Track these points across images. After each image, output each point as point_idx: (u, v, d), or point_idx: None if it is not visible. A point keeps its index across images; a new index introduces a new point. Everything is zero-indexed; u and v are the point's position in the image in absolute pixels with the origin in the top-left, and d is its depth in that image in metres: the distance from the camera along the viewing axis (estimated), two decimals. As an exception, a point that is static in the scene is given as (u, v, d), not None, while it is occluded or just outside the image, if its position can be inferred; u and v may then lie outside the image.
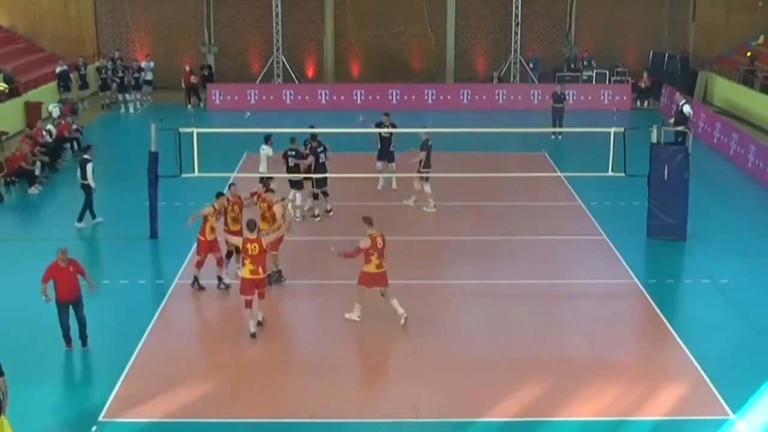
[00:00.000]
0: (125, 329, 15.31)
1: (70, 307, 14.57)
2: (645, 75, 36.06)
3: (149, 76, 36.65)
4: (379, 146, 22.92)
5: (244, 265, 14.97)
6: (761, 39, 37.21)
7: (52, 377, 13.86)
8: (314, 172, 20.79)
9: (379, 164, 22.96)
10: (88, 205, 20.51)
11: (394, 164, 22.93)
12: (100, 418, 12.46)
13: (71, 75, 34.72)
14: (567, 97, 30.30)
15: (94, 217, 20.72)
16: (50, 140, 26.11)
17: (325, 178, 20.93)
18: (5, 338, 14.88)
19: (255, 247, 14.68)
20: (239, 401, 12.96)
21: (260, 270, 14.75)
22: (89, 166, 20.36)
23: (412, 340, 14.90)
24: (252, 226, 15.03)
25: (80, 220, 20.48)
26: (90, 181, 20.32)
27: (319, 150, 20.96)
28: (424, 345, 14.78)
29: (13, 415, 11.36)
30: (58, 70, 34.64)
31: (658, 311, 16.11)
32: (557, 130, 29.10)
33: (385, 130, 22.47)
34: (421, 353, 14.47)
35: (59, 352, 14.53)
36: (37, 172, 24.09)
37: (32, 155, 24.38)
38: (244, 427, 12.40)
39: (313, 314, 16.31)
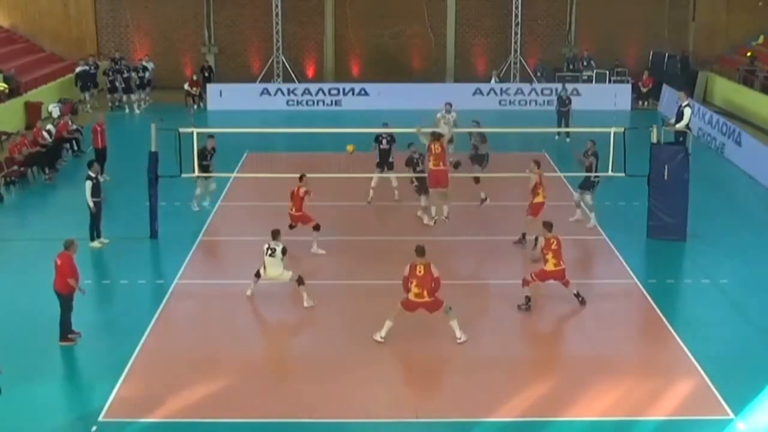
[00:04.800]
0: (125, 329, 15.31)
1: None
2: (645, 76, 36.06)
3: (149, 76, 36.63)
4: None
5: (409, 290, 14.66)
6: (761, 39, 37.21)
7: (52, 377, 13.85)
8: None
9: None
10: (90, 224, 19.32)
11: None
12: (100, 418, 12.46)
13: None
14: (571, 101, 29.93)
15: (93, 238, 19.27)
16: (50, 140, 26.13)
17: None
18: (5, 338, 14.90)
19: (422, 269, 14.49)
20: (239, 401, 12.96)
21: (425, 293, 14.48)
22: (87, 184, 19.08)
23: (412, 341, 14.89)
24: (420, 251, 14.72)
25: (92, 239, 19.35)
26: (88, 199, 19.03)
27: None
28: (424, 345, 14.77)
29: (13, 415, 11.41)
30: (78, 70, 34.79)
31: (658, 311, 16.12)
32: (562, 130, 28.98)
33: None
34: (422, 353, 14.47)
35: (59, 352, 14.54)
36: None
37: (29, 148, 24.56)
38: (244, 427, 12.39)
39: (312, 314, 16.30)
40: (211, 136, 21.67)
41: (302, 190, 18.89)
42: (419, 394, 13.17)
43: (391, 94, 34.75)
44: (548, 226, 16.47)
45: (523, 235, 19.15)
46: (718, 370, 13.73)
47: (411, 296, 14.54)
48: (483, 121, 23.71)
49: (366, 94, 35.40)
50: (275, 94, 35.87)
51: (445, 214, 19.42)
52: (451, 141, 23.40)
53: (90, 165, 19.74)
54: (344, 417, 12.67)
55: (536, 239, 18.17)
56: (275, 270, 16.31)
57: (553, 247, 16.06)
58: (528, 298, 16.15)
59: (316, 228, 18.84)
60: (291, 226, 18.89)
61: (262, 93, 35.72)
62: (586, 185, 20.95)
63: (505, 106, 35.42)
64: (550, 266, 16.11)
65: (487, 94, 35.72)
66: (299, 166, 21.70)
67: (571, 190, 23.01)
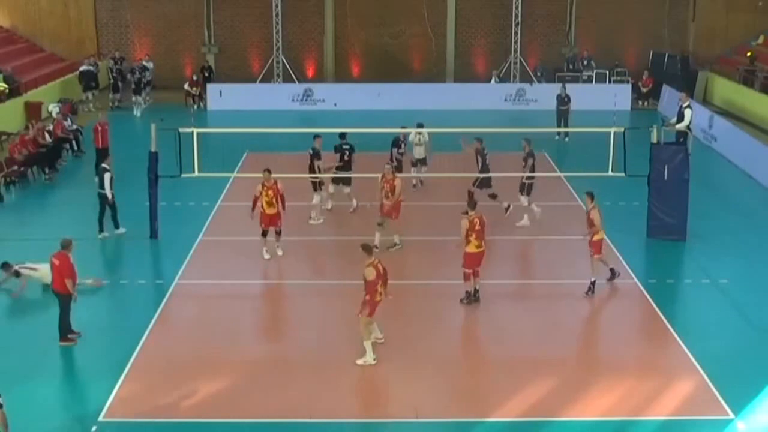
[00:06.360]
0: (125, 329, 15.32)
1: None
2: (645, 76, 36.09)
3: (149, 76, 36.64)
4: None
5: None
6: (761, 39, 37.21)
7: (52, 377, 13.86)
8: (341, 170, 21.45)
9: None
10: (102, 214, 19.81)
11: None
12: (100, 418, 12.46)
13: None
14: (570, 99, 30.17)
15: (117, 227, 19.94)
16: (50, 140, 26.12)
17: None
18: (5, 338, 14.91)
19: (381, 267, 14.06)
20: (239, 401, 12.96)
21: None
22: (107, 176, 19.70)
23: (412, 340, 14.89)
24: (370, 249, 14.28)
25: (101, 230, 19.78)
26: (107, 191, 19.66)
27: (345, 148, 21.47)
28: (424, 345, 14.77)
29: (13, 416, 11.37)
30: (82, 68, 34.77)
31: (658, 311, 16.12)
32: (562, 129, 29.22)
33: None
34: (421, 353, 14.47)
35: (59, 352, 14.54)
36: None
37: (29, 149, 24.60)
38: (244, 427, 12.40)
39: (312, 315, 16.29)
40: (317, 136, 21.24)
41: (280, 185, 18.59)
42: (419, 394, 13.16)
43: (392, 94, 34.74)
44: (472, 205, 16.15)
45: (612, 271, 17.43)
46: (718, 370, 13.73)
47: (379, 296, 14.01)
48: (484, 121, 23.68)
49: (365, 94, 35.36)
50: (276, 93, 35.90)
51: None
52: (424, 162, 23.55)
53: (104, 158, 20.45)
54: (344, 417, 12.67)
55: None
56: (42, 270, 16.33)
57: (477, 227, 15.83)
58: (468, 293, 16.03)
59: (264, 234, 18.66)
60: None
61: (262, 93, 35.76)
62: (521, 187, 20.72)
63: (508, 106, 35.45)
64: (472, 248, 15.85)
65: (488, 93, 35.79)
66: (300, 166, 21.74)
67: (571, 191, 23.04)
